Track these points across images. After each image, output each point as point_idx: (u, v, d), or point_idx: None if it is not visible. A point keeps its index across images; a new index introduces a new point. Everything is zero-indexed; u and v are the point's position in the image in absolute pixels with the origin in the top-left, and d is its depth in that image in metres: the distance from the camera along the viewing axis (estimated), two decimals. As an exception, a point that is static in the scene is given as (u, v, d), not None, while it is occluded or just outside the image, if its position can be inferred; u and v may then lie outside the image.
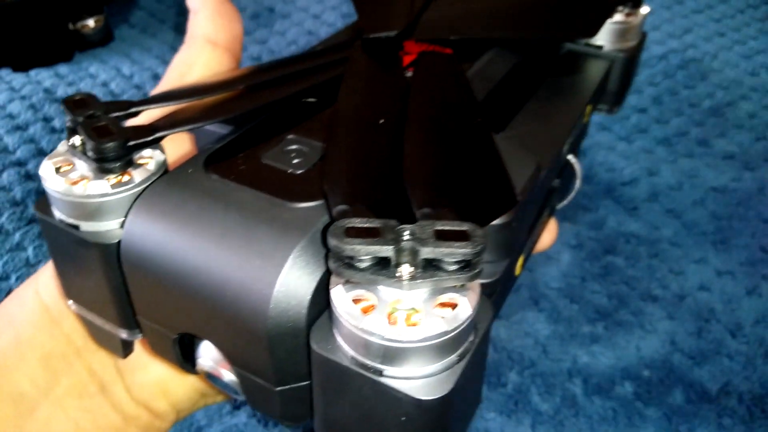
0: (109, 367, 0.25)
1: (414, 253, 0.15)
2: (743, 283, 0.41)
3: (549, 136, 0.26)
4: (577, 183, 0.31)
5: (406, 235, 0.16)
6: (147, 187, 0.20)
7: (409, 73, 0.26)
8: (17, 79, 0.57)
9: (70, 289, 0.23)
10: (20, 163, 0.48)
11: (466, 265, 0.16)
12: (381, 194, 0.19)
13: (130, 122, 0.22)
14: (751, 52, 0.63)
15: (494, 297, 0.23)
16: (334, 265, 0.16)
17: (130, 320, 0.21)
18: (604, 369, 0.36)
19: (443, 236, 0.16)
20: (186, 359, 0.21)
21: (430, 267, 0.16)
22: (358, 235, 0.16)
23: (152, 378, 0.26)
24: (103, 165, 0.20)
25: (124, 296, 0.21)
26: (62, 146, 0.21)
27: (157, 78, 0.57)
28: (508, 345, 0.37)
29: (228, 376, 0.21)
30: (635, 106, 0.56)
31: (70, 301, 0.23)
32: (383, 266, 0.16)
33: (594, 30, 0.30)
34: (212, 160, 0.21)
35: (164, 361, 0.23)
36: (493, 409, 0.34)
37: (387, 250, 0.15)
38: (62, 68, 0.59)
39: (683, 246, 0.43)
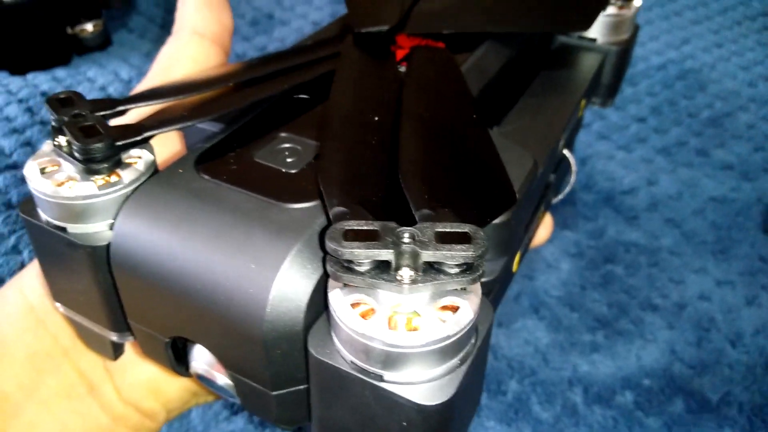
0: (97, 367, 0.25)
1: (415, 256, 0.15)
2: (743, 293, 0.41)
3: (545, 131, 0.26)
4: (572, 177, 0.31)
5: (406, 238, 0.15)
6: (136, 188, 0.19)
7: (402, 68, 0.25)
8: (14, 82, 0.57)
9: (57, 292, 0.22)
10: (16, 166, 0.47)
11: (467, 268, 0.15)
12: (378, 194, 0.18)
13: (117, 121, 0.21)
14: (749, 64, 0.63)
15: (492, 295, 0.22)
16: (333, 269, 0.15)
17: (120, 323, 0.21)
18: (604, 378, 0.36)
19: (444, 238, 0.15)
20: (179, 362, 0.21)
21: (431, 270, 0.15)
22: (357, 238, 0.15)
23: (143, 378, 0.25)
24: (90, 166, 0.19)
25: (114, 299, 0.20)
26: (47, 146, 0.20)
27: (155, 83, 0.57)
28: (508, 353, 0.37)
29: (222, 379, 0.20)
30: (634, 116, 0.56)
31: (58, 304, 0.22)
32: (383, 269, 0.15)
33: (588, 23, 0.29)
34: (203, 160, 0.21)
35: (156, 364, 0.23)
36: (493, 418, 0.34)
37: (387, 254, 0.15)
38: (60, 72, 0.58)
39: (683, 255, 0.43)
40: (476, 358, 0.16)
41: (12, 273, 0.40)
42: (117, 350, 0.23)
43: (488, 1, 0.29)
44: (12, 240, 0.42)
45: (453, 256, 0.15)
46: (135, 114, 0.22)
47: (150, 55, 0.62)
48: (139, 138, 0.20)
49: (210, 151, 0.21)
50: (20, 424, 0.23)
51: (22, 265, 0.40)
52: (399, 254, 0.15)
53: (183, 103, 0.22)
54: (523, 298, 0.40)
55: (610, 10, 0.32)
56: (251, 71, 0.24)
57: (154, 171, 0.20)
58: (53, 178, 0.19)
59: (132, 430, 0.26)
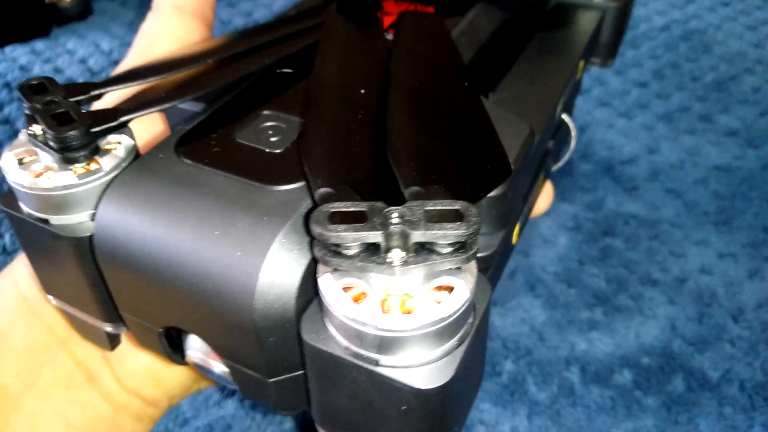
0: (95, 356, 0.25)
1: (404, 236, 0.14)
2: (746, 265, 0.40)
3: (542, 96, 0.25)
4: (572, 143, 0.30)
5: (395, 218, 0.15)
6: (117, 175, 0.19)
7: (390, 36, 0.25)
8: (-8, 55, 0.55)
9: (48, 285, 0.22)
10: (-5, 145, 0.46)
11: (460, 247, 0.15)
12: (366, 173, 0.18)
13: (95, 105, 0.20)
14: (756, 23, 0.61)
15: (491, 270, 0.22)
16: (320, 253, 0.15)
17: (113, 314, 0.21)
18: (602, 356, 0.35)
19: (435, 217, 0.15)
20: (174, 351, 0.21)
21: (422, 250, 0.15)
22: (343, 221, 0.15)
23: (142, 365, 0.25)
24: (67, 154, 0.19)
25: (103, 290, 0.20)
26: (23, 135, 0.20)
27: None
28: (502, 332, 0.36)
29: (219, 367, 0.20)
30: (636, 80, 0.54)
31: (50, 296, 0.22)
32: (372, 252, 0.15)
33: None
34: (184, 143, 0.20)
35: (152, 353, 0.22)
36: (487, 400, 0.33)
37: (375, 236, 0.14)
38: (38, 44, 0.56)
39: (684, 227, 0.42)
40: (475, 337, 0.16)
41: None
42: (113, 341, 0.23)
43: None
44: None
45: (444, 235, 0.14)
46: (115, 97, 0.22)
47: (133, 25, 0.60)
48: (114, 123, 0.19)
49: (191, 133, 0.20)
50: (20, 415, 0.23)
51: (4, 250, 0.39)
52: (388, 236, 0.14)
53: (162, 83, 0.22)
54: (518, 275, 0.39)
55: None
56: (232, 46, 0.23)
57: (135, 156, 0.20)
58: (30, 169, 0.19)
59: (134, 417, 0.26)
